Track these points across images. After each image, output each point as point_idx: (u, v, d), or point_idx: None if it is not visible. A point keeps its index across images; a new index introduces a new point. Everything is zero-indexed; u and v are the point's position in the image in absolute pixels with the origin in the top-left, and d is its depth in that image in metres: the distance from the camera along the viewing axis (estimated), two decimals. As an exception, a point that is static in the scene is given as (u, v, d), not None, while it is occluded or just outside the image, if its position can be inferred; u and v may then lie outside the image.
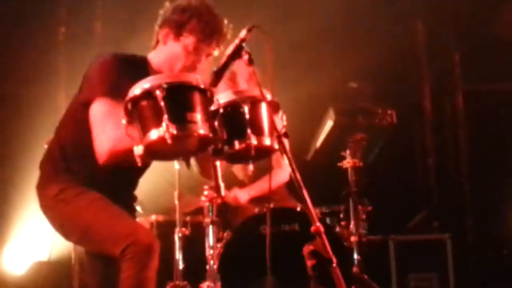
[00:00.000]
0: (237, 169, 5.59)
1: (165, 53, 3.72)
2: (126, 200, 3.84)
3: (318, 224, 2.82)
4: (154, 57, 3.76)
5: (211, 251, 4.44)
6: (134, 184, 3.91)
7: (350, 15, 6.71)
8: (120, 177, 3.69)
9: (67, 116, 3.75)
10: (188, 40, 3.65)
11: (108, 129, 3.41)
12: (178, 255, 4.79)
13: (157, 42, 3.76)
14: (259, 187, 5.32)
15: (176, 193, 4.80)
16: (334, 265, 2.76)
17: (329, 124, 5.21)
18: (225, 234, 4.79)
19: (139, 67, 3.68)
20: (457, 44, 7.20)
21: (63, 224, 3.64)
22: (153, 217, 5.14)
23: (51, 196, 3.59)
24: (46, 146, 4.09)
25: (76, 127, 3.64)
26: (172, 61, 3.68)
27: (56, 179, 3.62)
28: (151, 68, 3.73)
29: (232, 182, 5.35)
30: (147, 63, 3.75)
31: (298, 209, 4.91)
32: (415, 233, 6.33)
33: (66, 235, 3.71)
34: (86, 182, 3.59)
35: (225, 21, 3.70)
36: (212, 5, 3.70)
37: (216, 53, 3.74)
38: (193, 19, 3.63)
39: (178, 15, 3.66)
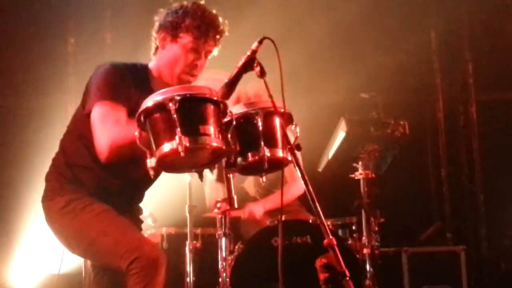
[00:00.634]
0: (249, 186, 5.57)
1: (165, 56, 3.72)
2: (133, 212, 3.83)
3: (330, 237, 2.79)
4: (155, 63, 3.76)
5: (224, 264, 4.40)
6: (140, 196, 3.89)
7: (363, 25, 6.70)
8: (127, 189, 3.67)
9: (71, 128, 3.75)
10: (185, 39, 3.65)
11: (107, 127, 3.41)
12: (189, 268, 4.75)
13: (157, 48, 3.76)
14: (274, 200, 5.30)
15: (187, 206, 4.77)
16: (347, 278, 2.73)
17: (341, 135, 5.18)
18: (236, 246, 4.76)
19: (140, 75, 3.68)
20: (470, 55, 7.16)
21: (70, 236, 3.62)
22: (164, 230, 5.10)
23: (58, 208, 3.57)
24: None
25: (80, 138, 3.64)
26: (173, 62, 3.68)
27: (62, 191, 3.60)
28: (152, 76, 3.72)
29: (244, 198, 5.33)
30: (148, 71, 3.74)
31: (310, 221, 4.89)
32: (429, 245, 6.29)
33: (73, 247, 3.69)
34: (93, 193, 3.57)
35: (220, 18, 3.70)
36: (204, 4, 3.71)
37: (215, 52, 3.74)
38: (187, 18, 3.65)
39: (172, 17, 3.68)
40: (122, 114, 3.45)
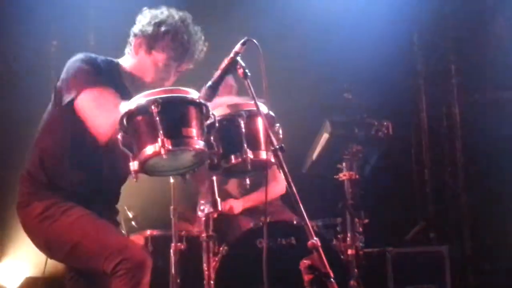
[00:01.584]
0: (232, 187, 5.57)
1: (135, 63, 3.70)
2: (111, 214, 3.80)
3: (315, 238, 2.79)
4: (125, 62, 3.73)
5: (208, 266, 4.39)
6: (117, 197, 3.86)
7: (346, 26, 6.70)
8: (104, 191, 3.65)
9: (44, 129, 3.68)
10: (159, 56, 3.64)
11: (104, 107, 3.35)
12: (174, 270, 4.74)
13: (132, 51, 3.73)
14: (254, 199, 5.32)
15: (171, 208, 4.76)
16: (332, 279, 2.74)
17: (325, 136, 5.19)
18: (221, 248, 4.75)
19: (111, 68, 3.65)
20: (454, 56, 7.18)
21: (49, 242, 3.57)
22: (148, 232, 5.09)
23: (35, 214, 3.52)
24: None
25: (55, 137, 3.59)
26: (142, 72, 3.67)
27: (38, 196, 3.55)
28: (123, 70, 3.70)
29: (225, 198, 5.32)
30: (119, 66, 3.71)
31: (295, 222, 4.88)
32: (413, 245, 6.31)
33: (52, 253, 3.65)
34: (70, 197, 3.54)
35: (201, 39, 3.67)
36: (190, 22, 3.66)
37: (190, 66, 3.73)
38: (167, 36, 3.62)
39: (153, 29, 3.64)
40: (114, 95, 3.39)
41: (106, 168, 3.53)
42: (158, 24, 3.63)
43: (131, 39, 3.71)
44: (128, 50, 3.74)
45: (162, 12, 3.66)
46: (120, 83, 3.48)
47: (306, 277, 2.82)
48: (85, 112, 3.40)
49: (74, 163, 3.49)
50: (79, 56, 3.57)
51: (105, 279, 3.40)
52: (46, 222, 3.50)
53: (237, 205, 5.27)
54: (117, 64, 3.71)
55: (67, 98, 3.45)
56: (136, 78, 3.66)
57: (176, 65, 3.66)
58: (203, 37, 3.68)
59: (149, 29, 3.63)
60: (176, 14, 3.65)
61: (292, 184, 2.86)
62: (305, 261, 2.82)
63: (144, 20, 3.67)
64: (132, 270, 3.34)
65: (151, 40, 3.63)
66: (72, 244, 3.48)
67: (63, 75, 3.54)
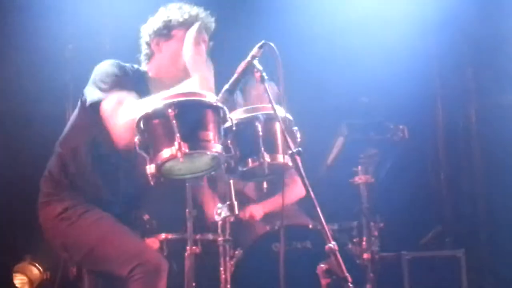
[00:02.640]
0: (249, 188, 5.56)
1: (165, 57, 3.74)
2: (131, 218, 3.81)
3: (332, 243, 2.78)
4: (152, 68, 3.75)
5: (225, 270, 4.39)
6: (138, 201, 3.87)
7: (363, 31, 6.69)
8: (124, 195, 3.65)
9: (68, 131, 3.72)
10: (179, 33, 3.67)
11: (123, 113, 3.35)
12: (189, 274, 4.73)
13: (153, 54, 3.76)
14: (273, 203, 5.30)
15: (187, 211, 4.76)
16: (350, 283, 2.73)
17: (340, 139, 5.17)
18: (236, 251, 4.75)
19: (136, 75, 3.68)
20: (470, 58, 7.15)
21: (66, 243, 3.60)
22: (163, 235, 5.08)
23: (54, 215, 3.56)
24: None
25: (78, 140, 3.62)
26: (175, 60, 3.71)
27: (58, 197, 3.59)
28: (148, 77, 3.71)
29: (245, 202, 5.31)
30: (144, 72, 3.74)
31: (310, 226, 4.88)
32: (429, 250, 6.28)
33: (69, 254, 3.68)
34: (90, 199, 3.55)
35: (206, 13, 3.72)
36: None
37: (211, 43, 3.74)
38: (173, 16, 3.72)
39: (159, 22, 3.73)
40: (137, 98, 3.42)
41: (126, 172, 3.54)
42: (159, 17, 3.74)
43: (149, 46, 3.75)
44: (148, 56, 3.77)
45: (160, 12, 3.74)
46: (146, 90, 3.49)
47: (324, 281, 2.83)
48: (108, 115, 3.43)
49: (96, 167, 3.51)
50: (108, 60, 3.62)
51: (122, 282, 3.40)
52: (64, 223, 3.52)
53: (258, 211, 5.26)
54: (144, 72, 3.74)
55: (93, 99, 3.48)
56: (161, 80, 3.68)
57: (197, 33, 3.65)
58: (210, 14, 3.72)
59: (156, 25, 3.70)
60: (178, 5, 3.73)
61: (310, 188, 2.85)
62: (322, 266, 2.82)
63: (151, 23, 3.77)
64: (148, 274, 3.35)
65: (164, 28, 3.70)
66: (89, 248, 3.50)
67: (91, 78, 3.58)
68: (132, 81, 3.56)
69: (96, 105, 3.47)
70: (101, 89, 3.47)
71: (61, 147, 3.72)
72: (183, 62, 3.62)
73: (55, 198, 3.58)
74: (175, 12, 3.72)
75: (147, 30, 3.77)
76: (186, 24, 3.67)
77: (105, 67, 3.57)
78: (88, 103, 3.51)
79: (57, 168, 3.63)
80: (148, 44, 3.77)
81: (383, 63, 6.55)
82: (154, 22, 3.75)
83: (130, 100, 3.39)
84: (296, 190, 5.22)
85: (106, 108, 3.43)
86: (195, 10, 3.73)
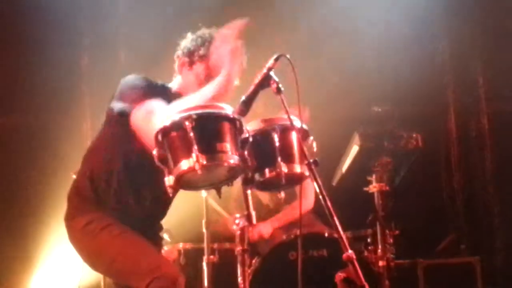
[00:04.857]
0: (263, 194, 5.59)
1: (181, 83, 3.77)
2: (154, 231, 3.85)
3: (350, 251, 2.81)
4: (173, 85, 3.80)
5: (243, 279, 4.42)
6: (161, 215, 3.91)
7: (375, 39, 6.71)
8: (147, 208, 3.69)
9: (94, 144, 3.77)
10: (200, 67, 3.69)
11: (159, 114, 3.35)
12: (207, 283, 4.77)
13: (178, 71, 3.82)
14: (282, 218, 5.32)
15: (203, 221, 4.81)
16: (368, 291, 2.76)
17: (354, 148, 5.20)
18: (253, 260, 4.78)
19: (163, 90, 3.72)
20: (481, 66, 7.16)
21: (91, 256, 3.65)
22: (181, 245, 5.13)
23: (79, 228, 3.60)
24: (73, 176, 4.12)
25: (105, 153, 3.66)
26: (187, 90, 3.71)
27: (83, 211, 3.62)
28: (173, 94, 3.75)
29: (258, 208, 5.34)
30: (170, 90, 3.78)
31: (326, 234, 4.90)
32: (444, 257, 6.28)
33: (95, 266, 3.73)
34: (114, 213, 3.60)
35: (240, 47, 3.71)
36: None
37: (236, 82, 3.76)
38: (203, 46, 3.68)
39: (191, 44, 3.71)
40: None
41: (151, 185, 3.57)
42: (196, 39, 3.71)
43: (176, 63, 3.79)
44: (175, 75, 3.82)
45: (201, 31, 3.74)
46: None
47: (342, 290, 2.85)
48: (139, 124, 3.46)
49: (121, 181, 3.55)
50: (134, 75, 3.65)
51: None
52: (87, 236, 3.57)
53: (266, 230, 5.28)
54: (168, 89, 3.78)
55: (122, 110, 3.52)
56: (182, 96, 3.71)
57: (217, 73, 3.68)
58: (243, 47, 3.72)
59: (189, 45, 3.71)
60: (214, 30, 3.72)
61: (326, 197, 2.88)
62: (340, 274, 2.85)
63: (185, 41, 3.77)
64: None
65: (191, 55, 3.70)
66: (109, 261, 3.55)
67: (117, 91, 3.62)
68: (158, 95, 3.58)
69: (125, 115, 3.50)
70: (130, 100, 3.50)
71: (88, 160, 3.76)
72: (198, 90, 3.67)
73: (80, 212, 3.62)
74: (205, 43, 3.70)
75: (179, 47, 3.79)
76: (208, 62, 3.68)
77: (132, 80, 3.60)
78: (117, 114, 3.55)
79: (83, 182, 3.67)
80: (175, 60, 3.81)
81: (395, 72, 6.58)
82: (185, 44, 3.77)
83: (161, 107, 3.41)
84: (304, 202, 5.24)
85: (137, 117, 3.46)
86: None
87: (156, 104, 3.43)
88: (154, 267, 3.44)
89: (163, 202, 3.79)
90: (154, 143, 3.15)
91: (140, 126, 3.45)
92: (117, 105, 3.57)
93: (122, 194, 3.60)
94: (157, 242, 3.84)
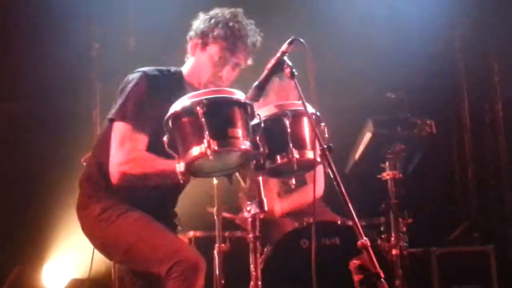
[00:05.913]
0: (273, 182, 5.55)
1: (194, 64, 3.73)
2: (168, 217, 3.82)
3: (364, 238, 2.77)
4: (185, 69, 3.75)
5: (255, 266, 4.39)
6: (174, 201, 3.89)
7: (389, 26, 6.67)
8: (160, 194, 3.66)
9: (104, 133, 3.74)
10: (213, 49, 3.65)
11: (122, 152, 3.41)
12: (218, 271, 4.74)
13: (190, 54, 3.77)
14: (292, 202, 5.28)
15: (214, 209, 4.76)
16: (382, 279, 2.71)
17: (367, 135, 5.15)
18: (265, 248, 4.75)
19: (174, 81, 3.67)
20: (495, 52, 7.09)
21: (106, 243, 3.62)
22: (191, 233, 5.09)
23: (93, 216, 3.57)
24: (84, 163, 4.10)
25: (110, 145, 3.63)
26: (199, 72, 3.68)
27: (97, 198, 3.60)
28: (185, 81, 3.72)
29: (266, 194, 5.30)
30: (182, 76, 3.74)
31: (339, 222, 4.86)
32: (457, 245, 6.24)
33: (110, 254, 3.70)
34: (127, 200, 3.57)
35: (254, 30, 3.67)
36: (241, 14, 3.68)
37: (249, 62, 3.72)
38: (216, 28, 3.65)
39: (204, 25, 3.67)
40: (142, 140, 3.44)
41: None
42: (209, 20, 3.66)
43: (188, 45, 3.74)
44: (187, 56, 3.77)
45: (214, 11, 3.70)
46: (181, 93, 3.47)
47: (356, 277, 2.81)
48: (111, 143, 3.47)
49: None
50: (139, 75, 3.59)
51: (162, 281, 3.42)
52: (102, 224, 3.54)
53: (277, 207, 5.25)
54: (179, 73, 3.73)
55: (110, 117, 3.55)
56: (196, 82, 3.67)
57: (231, 55, 3.64)
58: (256, 29, 3.68)
59: (202, 26, 3.67)
60: (227, 10, 3.68)
61: (341, 184, 2.84)
62: (355, 261, 2.80)
63: (197, 21, 3.72)
64: (185, 272, 3.35)
65: (204, 36, 3.67)
66: (127, 247, 3.52)
67: (120, 88, 3.59)
68: (164, 91, 3.53)
69: (110, 122, 3.52)
70: (117, 111, 3.51)
71: (96, 147, 3.74)
72: (204, 79, 3.64)
73: (94, 200, 3.60)
74: (219, 24, 3.66)
75: (192, 28, 3.75)
76: (222, 43, 3.64)
77: (133, 84, 3.56)
78: (108, 116, 3.57)
79: (94, 171, 3.65)
80: (188, 41, 3.77)
81: (409, 58, 6.53)
82: (197, 25, 3.72)
83: (135, 143, 3.43)
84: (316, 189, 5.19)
85: (113, 135, 3.49)
86: (240, 29, 3.64)
87: (130, 136, 3.44)
88: (175, 252, 3.41)
89: (174, 190, 3.76)
90: (164, 129, 3.11)
91: (113, 142, 3.50)
92: (114, 108, 3.57)
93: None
94: (173, 229, 3.81)
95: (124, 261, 3.73)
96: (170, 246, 3.45)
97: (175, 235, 3.70)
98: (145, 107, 3.49)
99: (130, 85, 3.56)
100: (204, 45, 3.68)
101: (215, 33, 3.63)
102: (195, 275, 3.38)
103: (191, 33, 3.73)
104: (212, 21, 3.66)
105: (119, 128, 3.48)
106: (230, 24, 3.62)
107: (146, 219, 3.53)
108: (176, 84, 3.67)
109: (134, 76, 3.60)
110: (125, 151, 3.41)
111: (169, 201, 3.85)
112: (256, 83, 3.18)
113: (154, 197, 3.63)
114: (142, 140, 3.44)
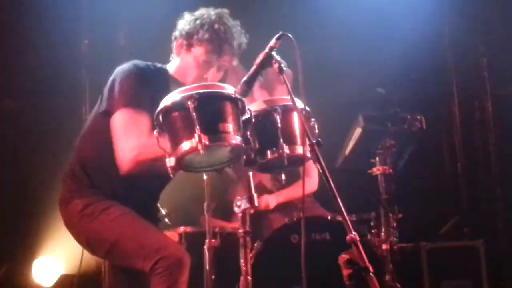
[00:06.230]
0: (265, 179, 5.56)
1: (178, 65, 3.72)
2: (151, 213, 3.82)
3: (353, 233, 2.77)
4: (171, 68, 3.75)
5: (245, 262, 4.39)
6: (157, 196, 3.88)
7: (378, 22, 6.68)
8: (143, 189, 3.66)
9: (87, 129, 3.73)
10: (198, 51, 3.64)
11: (131, 138, 3.39)
12: (208, 266, 4.74)
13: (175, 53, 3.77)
14: (286, 194, 5.29)
15: (205, 204, 4.76)
16: (371, 273, 2.72)
17: (358, 131, 5.17)
18: (255, 244, 4.75)
19: (160, 76, 3.67)
20: (485, 48, 7.11)
21: (90, 239, 3.61)
22: (182, 229, 5.10)
23: (76, 211, 3.56)
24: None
25: (96, 139, 3.62)
26: (185, 72, 3.68)
27: (79, 194, 3.59)
28: (170, 77, 3.71)
29: (260, 191, 5.31)
30: (167, 73, 3.73)
31: (329, 217, 4.87)
32: (447, 240, 6.26)
33: (94, 250, 3.69)
34: (110, 196, 3.56)
35: (240, 32, 3.66)
36: (226, 16, 3.67)
37: (234, 63, 3.72)
38: (202, 29, 3.62)
39: (189, 26, 3.65)
40: (146, 123, 3.41)
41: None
42: (194, 21, 3.65)
43: (173, 44, 3.73)
44: (172, 56, 3.77)
45: (199, 11, 3.68)
46: (168, 90, 3.48)
47: (345, 272, 2.81)
48: (115, 134, 3.45)
49: (115, 164, 3.51)
50: (129, 66, 3.59)
51: (146, 276, 3.42)
52: (86, 219, 3.53)
53: (272, 201, 5.25)
54: (165, 70, 3.73)
55: (105, 109, 3.50)
56: (181, 81, 3.67)
57: (216, 58, 3.64)
58: (242, 30, 3.68)
59: (187, 27, 3.66)
60: (213, 11, 3.66)
61: (330, 179, 2.84)
62: (344, 256, 2.80)
63: (182, 22, 3.70)
64: (170, 268, 3.35)
65: (189, 37, 3.65)
66: (111, 243, 3.51)
67: (109, 82, 3.58)
68: (153, 84, 3.53)
69: (107, 115, 3.49)
70: (114, 102, 3.48)
71: (80, 143, 3.72)
72: (189, 81, 3.64)
73: (77, 195, 3.58)
74: (204, 26, 3.64)
75: (176, 29, 3.74)
76: (207, 45, 3.63)
77: (124, 75, 3.55)
78: (102, 110, 3.54)
79: (77, 165, 3.64)
80: (173, 44, 3.75)
81: (399, 54, 6.54)
82: (183, 25, 3.71)
83: (139, 121, 3.40)
84: (309, 183, 5.21)
85: (114, 125, 3.48)
86: (225, 32, 3.62)
87: (131, 118, 3.41)
88: (159, 247, 3.41)
89: (158, 183, 3.75)
90: (155, 124, 3.11)
91: (117, 134, 3.48)
92: (105, 100, 3.54)
93: (114, 176, 3.56)
94: (156, 223, 3.81)
95: (108, 257, 3.72)
96: (154, 242, 3.44)
97: (159, 231, 3.69)
98: (138, 95, 3.49)
99: (121, 76, 3.55)
100: (189, 46, 3.66)
101: (200, 35, 3.62)
102: (180, 270, 3.38)
103: (176, 33, 3.72)
104: (198, 22, 3.64)
105: (120, 117, 3.46)
106: (216, 26, 3.60)
107: (129, 214, 3.52)
108: (162, 79, 3.67)
109: (124, 67, 3.60)
110: (133, 136, 3.39)
111: (152, 197, 3.84)
112: (245, 78, 3.18)
113: (137, 192, 3.62)
114: (146, 122, 3.41)
